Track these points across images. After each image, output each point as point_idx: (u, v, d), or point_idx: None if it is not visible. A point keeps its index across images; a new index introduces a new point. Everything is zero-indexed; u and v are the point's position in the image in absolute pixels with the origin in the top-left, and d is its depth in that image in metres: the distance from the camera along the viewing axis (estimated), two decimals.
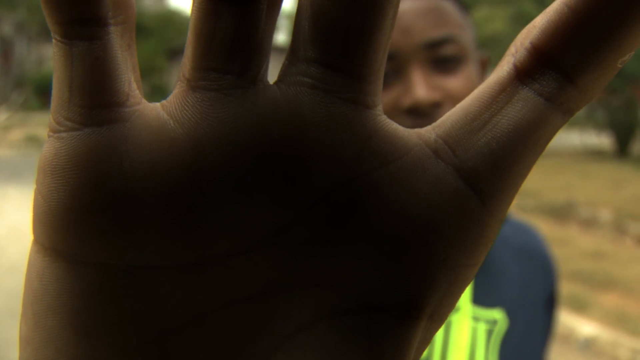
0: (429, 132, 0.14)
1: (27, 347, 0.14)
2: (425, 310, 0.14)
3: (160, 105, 0.14)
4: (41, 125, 16.26)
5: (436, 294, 0.14)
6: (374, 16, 0.13)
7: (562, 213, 6.18)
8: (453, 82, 0.66)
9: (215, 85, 0.13)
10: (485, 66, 0.75)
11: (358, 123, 0.13)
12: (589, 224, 5.93)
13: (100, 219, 0.13)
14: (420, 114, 0.65)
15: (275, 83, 0.14)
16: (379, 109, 0.14)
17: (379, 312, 0.14)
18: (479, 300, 0.68)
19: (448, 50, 0.65)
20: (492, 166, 0.13)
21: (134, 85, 0.14)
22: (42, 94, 19.94)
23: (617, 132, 12.61)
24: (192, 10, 0.13)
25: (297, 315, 0.14)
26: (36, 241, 0.14)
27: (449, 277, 0.14)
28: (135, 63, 0.15)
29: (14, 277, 3.95)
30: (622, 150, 12.50)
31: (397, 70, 0.65)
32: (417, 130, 0.14)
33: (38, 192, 0.14)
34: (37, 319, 0.14)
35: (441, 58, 0.65)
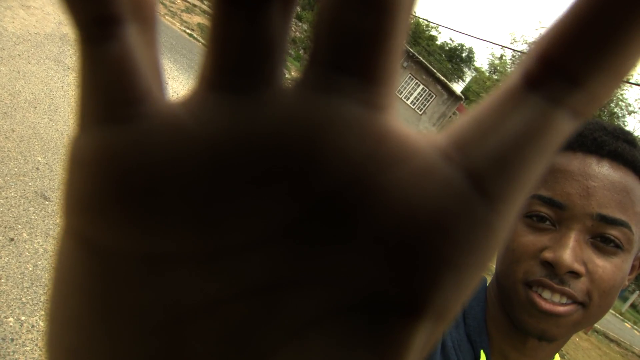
0: (439, 136, 0.14)
1: (54, 324, 0.16)
2: (430, 310, 0.14)
3: (179, 103, 0.14)
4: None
5: (441, 294, 0.14)
6: (385, 20, 0.13)
7: None
8: (601, 265, 0.67)
9: (231, 85, 0.14)
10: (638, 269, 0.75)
11: (370, 125, 0.14)
12: None
13: (122, 210, 0.14)
14: (554, 273, 0.66)
15: (292, 84, 0.14)
16: (391, 111, 0.14)
17: (384, 310, 0.14)
18: None
19: (615, 234, 0.65)
20: (500, 169, 0.14)
21: (155, 83, 0.15)
22: None
23: None
24: (210, 13, 0.14)
25: (304, 310, 0.14)
26: (65, 225, 0.15)
27: (454, 277, 0.14)
28: (158, 60, 0.15)
29: None
30: None
31: (558, 222, 0.66)
32: (426, 134, 0.15)
33: (67, 182, 0.15)
34: (63, 299, 0.15)
35: (604, 237, 0.65)
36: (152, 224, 0.14)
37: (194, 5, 16.99)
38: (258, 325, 0.14)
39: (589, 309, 0.68)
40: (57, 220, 3.16)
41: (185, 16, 14.32)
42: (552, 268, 0.65)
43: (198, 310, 0.14)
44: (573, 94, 0.14)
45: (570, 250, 0.63)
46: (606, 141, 0.68)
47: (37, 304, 2.57)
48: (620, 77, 0.14)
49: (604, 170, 0.66)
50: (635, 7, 0.12)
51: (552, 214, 0.66)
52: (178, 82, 7.36)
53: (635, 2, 0.12)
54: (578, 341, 9.93)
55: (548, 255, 0.64)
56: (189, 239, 0.14)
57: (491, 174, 0.14)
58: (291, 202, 0.14)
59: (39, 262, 2.79)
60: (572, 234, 0.64)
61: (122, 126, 0.14)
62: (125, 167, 0.14)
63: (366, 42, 0.13)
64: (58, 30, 6.60)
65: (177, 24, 12.93)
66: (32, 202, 3.19)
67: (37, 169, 3.52)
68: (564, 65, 0.13)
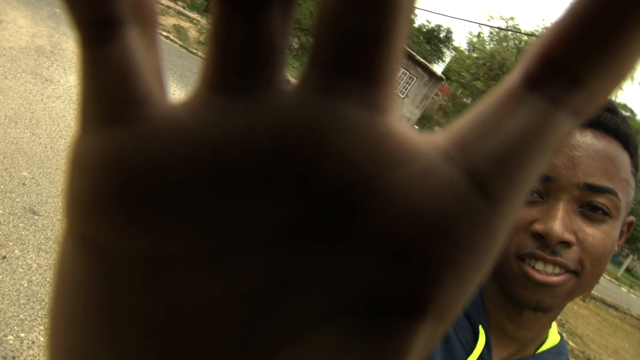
0: (439, 137, 0.14)
1: (56, 326, 0.15)
2: (432, 309, 0.14)
3: (180, 105, 0.14)
4: (191, 22, 16.70)
5: (442, 294, 0.14)
6: (385, 22, 0.13)
7: None
8: (591, 233, 0.67)
9: (232, 86, 0.14)
10: (630, 230, 0.76)
11: (370, 126, 0.14)
12: None
13: (124, 212, 0.14)
14: (545, 244, 0.67)
15: (293, 86, 0.14)
16: (392, 113, 0.14)
17: (386, 310, 0.14)
18: None
19: (602, 201, 0.66)
20: (500, 169, 0.14)
21: (156, 85, 0.15)
22: None
23: None
24: (211, 14, 0.14)
25: (307, 311, 0.14)
26: (67, 227, 0.15)
27: (455, 277, 0.14)
28: (159, 61, 0.15)
29: None
30: None
31: (546, 194, 0.67)
32: (428, 135, 0.15)
33: (69, 184, 0.15)
34: (65, 301, 0.15)
35: (592, 205, 0.66)
36: (155, 226, 0.14)
37: (168, 7, 16.90)
38: (261, 326, 0.14)
39: (581, 277, 0.69)
40: (49, 234, 3.15)
41: (160, 19, 14.20)
42: (543, 240, 0.66)
43: (201, 312, 0.14)
44: (573, 94, 0.14)
45: (559, 221, 0.64)
46: None
47: (35, 319, 2.56)
48: (620, 77, 0.14)
49: (587, 140, 0.66)
50: (636, 7, 0.12)
51: (539, 187, 0.66)
52: None
53: (636, 2, 0.12)
54: (577, 309, 10.03)
55: (538, 227, 0.65)
56: (192, 240, 0.14)
57: (492, 175, 0.14)
58: (293, 203, 0.14)
59: (34, 278, 2.78)
60: (561, 204, 0.65)
61: (124, 128, 0.14)
62: (127, 168, 0.14)
63: (367, 43, 0.13)
64: (33, 43, 6.54)
65: None
66: (21, 218, 3.17)
67: (24, 184, 3.50)
68: (565, 65, 0.13)
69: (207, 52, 0.14)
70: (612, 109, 0.70)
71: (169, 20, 14.68)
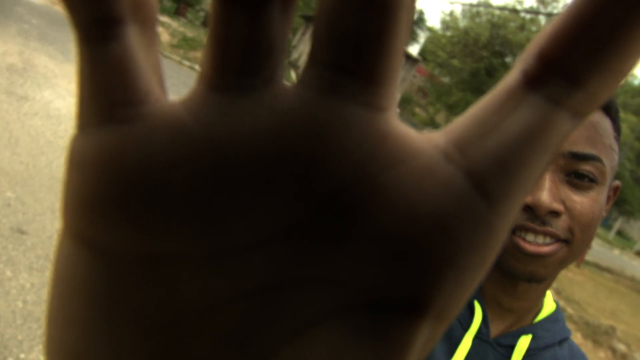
0: (439, 136, 0.14)
1: (53, 326, 0.15)
2: (431, 309, 0.14)
3: (180, 103, 0.14)
4: (162, 26, 17.05)
5: (442, 294, 0.14)
6: (386, 21, 0.13)
7: (598, 336, 6.20)
8: (579, 201, 0.68)
9: (232, 85, 0.14)
10: (616, 194, 0.77)
11: (371, 125, 0.14)
12: (620, 359, 5.94)
13: (123, 211, 0.14)
14: (534, 216, 0.67)
15: (293, 85, 0.14)
16: (392, 112, 0.14)
17: (385, 310, 0.14)
18: None
19: (588, 169, 0.66)
20: (500, 170, 0.14)
21: (155, 83, 0.15)
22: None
23: None
24: (211, 13, 0.14)
25: (306, 311, 0.14)
26: (65, 226, 0.15)
27: (455, 277, 0.14)
28: (158, 60, 0.15)
29: None
30: None
31: None
32: (427, 134, 0.15)
33: (68, 183, 0.15)
34: (63, 300, 0.15)
35: (578, 173, 0.67)
36: (154, 225, 0.14)
37: None
38: (260, 325, 0.14)
39: (572, 245, 0.69)
40: (39, 252, 3.13)
41: None
42: (532, 211, 0.67)
43: (200, 311, 0.14)
44: (573, 94, 0.14)
45: (547, 191, 0.64)
46: None
47: (33, 339, 2.54)
48: (620, 77, 0.14)
49: None
50: (636, 7, 0.12)
51: None
52: None
53: (636, 2, 0.12)
54: (572, 276, 10.14)
55: (526, 199, 0.65)
56: (191, 239, 0.14)
57: (491, 175, 0.14)
58: (293, 202, 0.14)
59: (28, 298, 2.76)
60: (547, 175, 0.66)
61: (123, 127, 0.14)
62: (126, 168, 0.13)
63: (367, 42, 0.13)
64: (3, 61, 6.47)
65: None
66: (9, 239, 3.14)
67: (9, 205, 3.47)
68: (564, 65, 0.13)
69: (206, 51, 0.14)
70: None
71: None
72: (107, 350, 0.15)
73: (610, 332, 6.44)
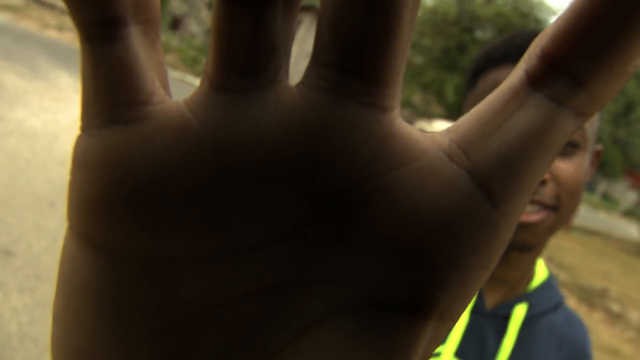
0: (443, 136, 0.14)
1: (59, 325, 0.15)
2: (435, 309, 0.14)
3: (183, 104, 0.14)
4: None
5: (446, 294, 0.14)
6: (389, 21, 0.13)
7: (592, 299, 6.25)
8: (564, 166, 0.68)
9: (236, 85, 0.14)
10: (599, 158, 0.77)
11: (374, 126, 0.14)
12: (615, 319, 6.00)
13: (128, 212, 0.14)
14: None
15: (296, 85, 0.14)
16: (396, 112, 0.14)
17: (389, 310, 0.14)
18: None
19: None
20: (504, 170, 0.14)
21: (158, 84, 0.15)
22: None
23: None
24: (213, 12, 0.14)
25: (309, 310, 0.14)
26: (70, 227, 0.15)
27: (459, 277, 0.14)
28: (161, 60, 0.15)
29: (62, 170, 4.19)
30: None
31: None
32: (431, 134, 0.15)
33: (72, 183, 0.15)
34: (68, 300, 0.15)
35: None
36: (159, 225, 0.14)
37: None
38: (265, 325, 0.14)
39: (560, 212, 0.70)
40: (28, 272, 3.10)
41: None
42: None
43: (205, 311, 0.14)
44: (576, 94, 0.14)
45: None
46: (520, 43, 0.70)
47: (32, 358, 2.52)
48: (623, 77, 0.14)
49: None
50: (639, 6, 0.13)
51: None
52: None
53: (639, 1, 0.13)
54: (561, 242, 10.25)
55: None
56: (196, 239, 0.14)
57: (495, 175, 0.14)
58: (297, 202, 0.14)
59: (22, 318, 2.73)
60: None
61: (128, 127, 0.14)
62: (130, 168, 0.14)
63: (370, 43, 0.13)
64: None
65: (68, 39, 12.65)
66: None
67: None
68: (568, 65, 0.13)
69: (210, 51, 0.14)
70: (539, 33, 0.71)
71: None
72: (113, 350, 0.15)
73: (603, 293, 6.54)
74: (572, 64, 0.13)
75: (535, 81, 0.14)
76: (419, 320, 0.14)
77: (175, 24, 22.86)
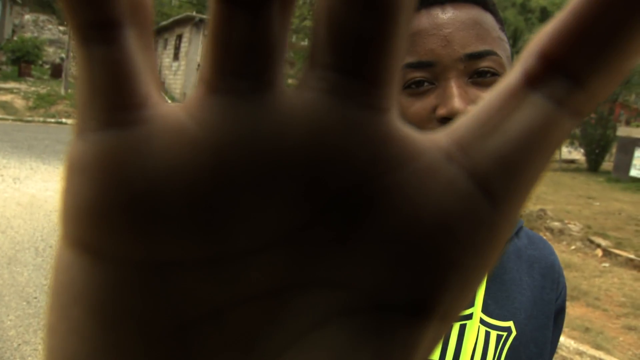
0: (442, 136, 0.14)
1: (54, 336, 0.15)
2: (436, 310, 0.14)
3: (180, 107, 0.14)
4: (12, 93, 15.59)
5: (447, 295, 0.14)
6: (386, 22, 0.13)
7: (532, 223, 6.47)
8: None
9: (232, 88, 0.13)
10: None
11: (372, 127, 0.14)
12: (559, 235, 6.22)
13: (125, 217, 0.13)
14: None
15: (294, 88, 0.14)
16: (394, 113, 0.14)
17: (390, 312, 0.14)
18: (492, 309, 0.72)
19: (487, 64, 0.67)
20: (503, 169, 0.14)
21: (153, 87, 0.14)
22: (15, 61, 20.69)
23: (591, 148, 13.25)
24: (210, 15, 0.14)
25: (310, 313, 0.14)
26: (64, 235, 0.14)
27: (460, 278, 0.14)
28: (155, 64, 0.15)
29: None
30: (594, 165, 13.20)
31: (435, 78, 0.67)
32: (430, 134, 0.14)
33: (66, 189, 0.14)
34: (63, 310, 0.14)
35: (479, 71, 0.67)
36: (156, 231, 0.13)
37: None
38: (265, 329, 0.14)
39: None
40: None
41: None
42: (451, 120, 0.67)
43: (204, 317, 0.14)
44: (574, 94, 0.14)
45: (457, 98, 0.65)
46: None
47: None
48: (620, 76, 0.14)
49: (450, 15, 0.68)
50: (637, 6, 0.13)
51: (426, 75, 0.67)
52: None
53: (637, 2, 0.13)
54: None
55: (441, 111, 0.66)
56: (194, 245, 0.13)
57: (494, 174, 0.14)
58: (296, 206, 0.14)
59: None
60: (452, 82, 0.66)
61: (123, 131, 0.13)
62: (126, 172, 0.13)
63: (367, 44, 0.13)
64: None
65: None
66: None
67: None
68: (566, 65, 0.13)
69: (205, 54, 0.14)
70: None
71: None
72: (110, 359, 0.14)
73: (542, 215, 6.81)
74: (571, 64, 0.13)
75: (533, 81, 0.14)
76: (420, 321, 0.14)
77: (56, 72, 21.88)
